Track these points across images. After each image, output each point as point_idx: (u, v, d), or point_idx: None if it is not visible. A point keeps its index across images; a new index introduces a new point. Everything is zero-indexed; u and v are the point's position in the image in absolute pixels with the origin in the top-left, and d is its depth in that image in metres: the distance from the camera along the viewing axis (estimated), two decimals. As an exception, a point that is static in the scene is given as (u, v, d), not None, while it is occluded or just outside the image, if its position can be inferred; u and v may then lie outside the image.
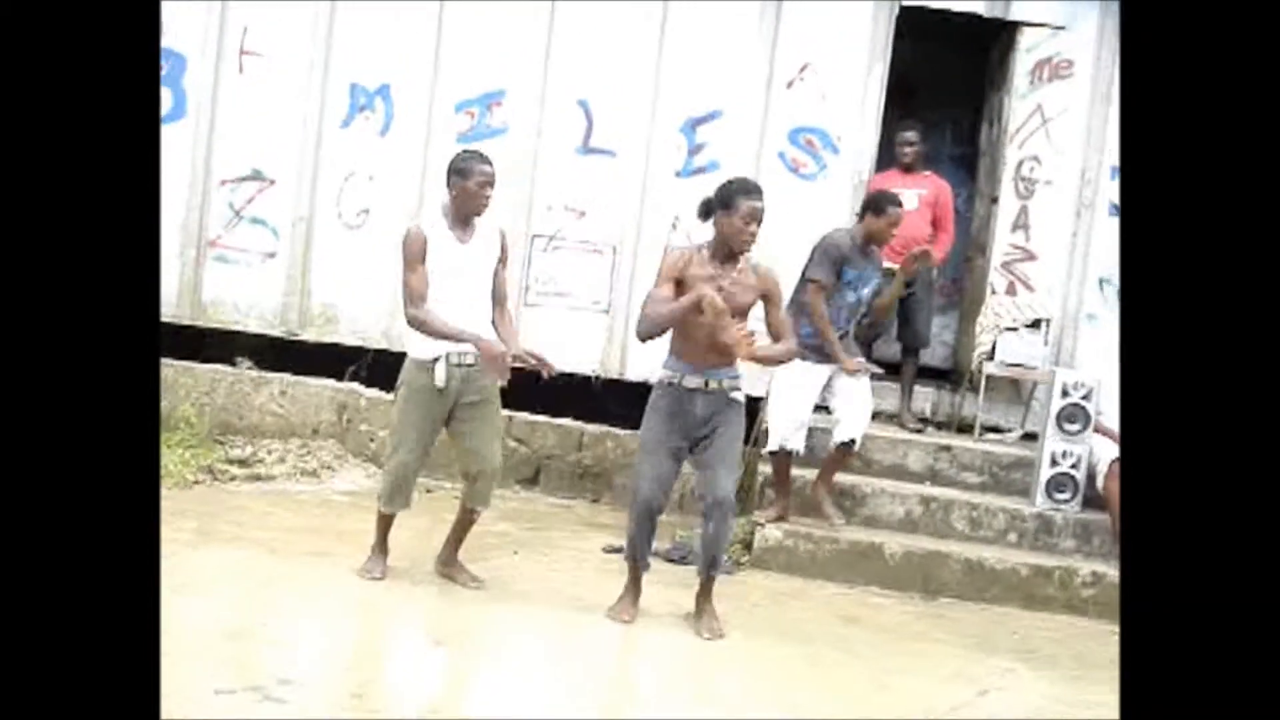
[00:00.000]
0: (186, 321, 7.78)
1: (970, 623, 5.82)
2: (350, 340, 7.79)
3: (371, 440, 7.56)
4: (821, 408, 6.45)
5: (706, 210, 5.02)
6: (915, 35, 7.63)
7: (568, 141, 7.57)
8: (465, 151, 5.28)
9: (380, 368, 7.85)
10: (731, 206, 4.88)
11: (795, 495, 6.41)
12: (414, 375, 5.16)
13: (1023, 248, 7.45)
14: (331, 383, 7.72)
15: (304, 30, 7.64)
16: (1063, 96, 7.40)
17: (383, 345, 7.73)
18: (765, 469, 6.64)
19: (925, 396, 7.65)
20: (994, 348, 7.27)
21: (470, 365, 5.13)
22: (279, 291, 7.76)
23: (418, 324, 5.07)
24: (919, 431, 7.15)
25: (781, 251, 7.10)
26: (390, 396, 7.58)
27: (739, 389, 5.09)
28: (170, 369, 7.56)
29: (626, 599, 5.18)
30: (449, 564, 5.45)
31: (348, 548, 5.66)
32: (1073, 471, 6.51)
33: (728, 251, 4.96)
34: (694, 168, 7.52)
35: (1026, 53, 7.40)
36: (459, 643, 4.76)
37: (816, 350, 6.17)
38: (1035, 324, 7.31)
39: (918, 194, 7.41)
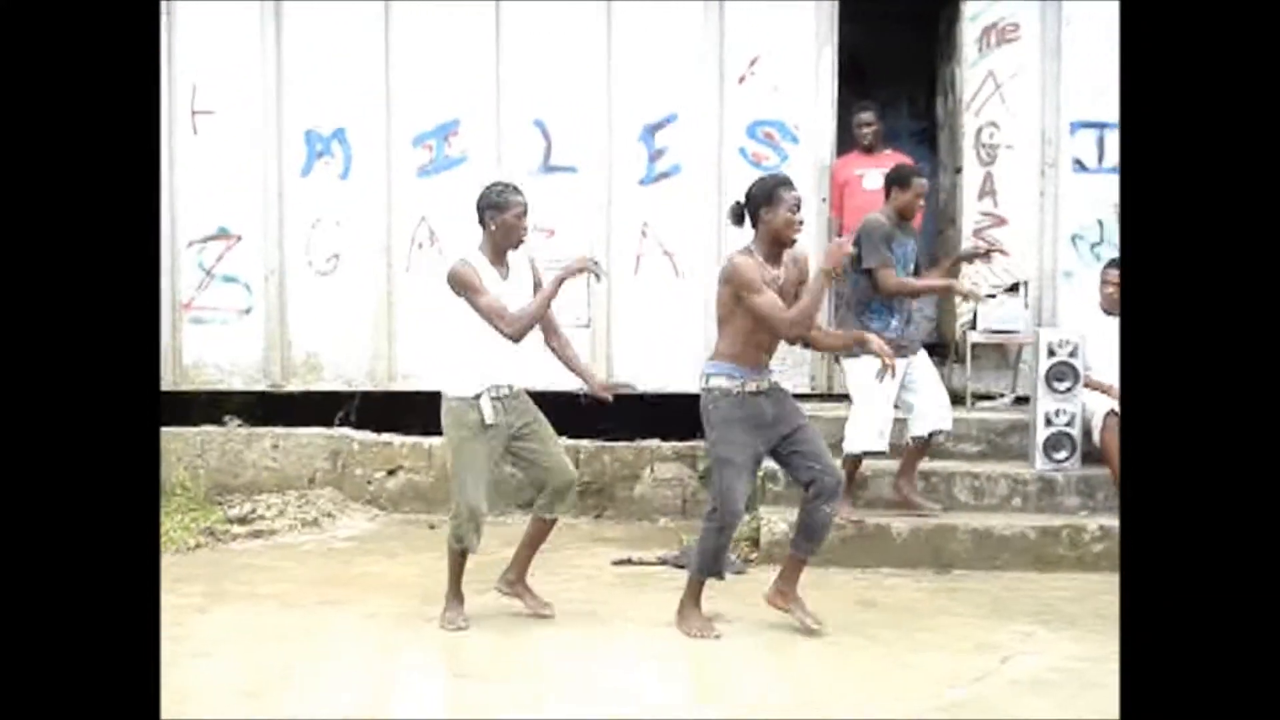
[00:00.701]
0: (170, 387, 7.75)
1: (984, 592, 5.83)
2: (336, 386, 7.78)
3: (369, 483, 7.55)
4: None
5: (739, 215, 5.01)
6: (861, 16, 7.66)
7: (528, 162, 7.58)
8: (496, 184, 5.21)
9: (368, 410, 7.85)
10: (774, 201, 4.88)
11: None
12: (461, 414, 5.10)
13: (992, 214, 7.47)
14: (322, 430, 7.71)
15: (253, 83, 7.64)
16: (1012, 60, 7.42)
17: (368, 387, 7.73)
18: (768, 464, 6.63)
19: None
20: (975, 316, 7.29)
21: (509, 393, 5.15)
22: (259, 346, 7.74)
23: (524, 327, 5.02)
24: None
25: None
26: (384, 437, 7.64)
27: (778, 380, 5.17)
28: (160, 436, 7.54)
29: (694, 612, 5.13)
30: (516, 585, 5.38)
31: (357, 593, 5.64)
32: (1068, 429, 6.52)
33: (775, 249, 4.95)
34: (656, 174, 7.54)
35: (971, 21, 7.43)
36: (484, 674, 4.73)
37: (895, 344, 6.11)
38: (1013, 288, 7.32)
39: (881, 172, 7.41)
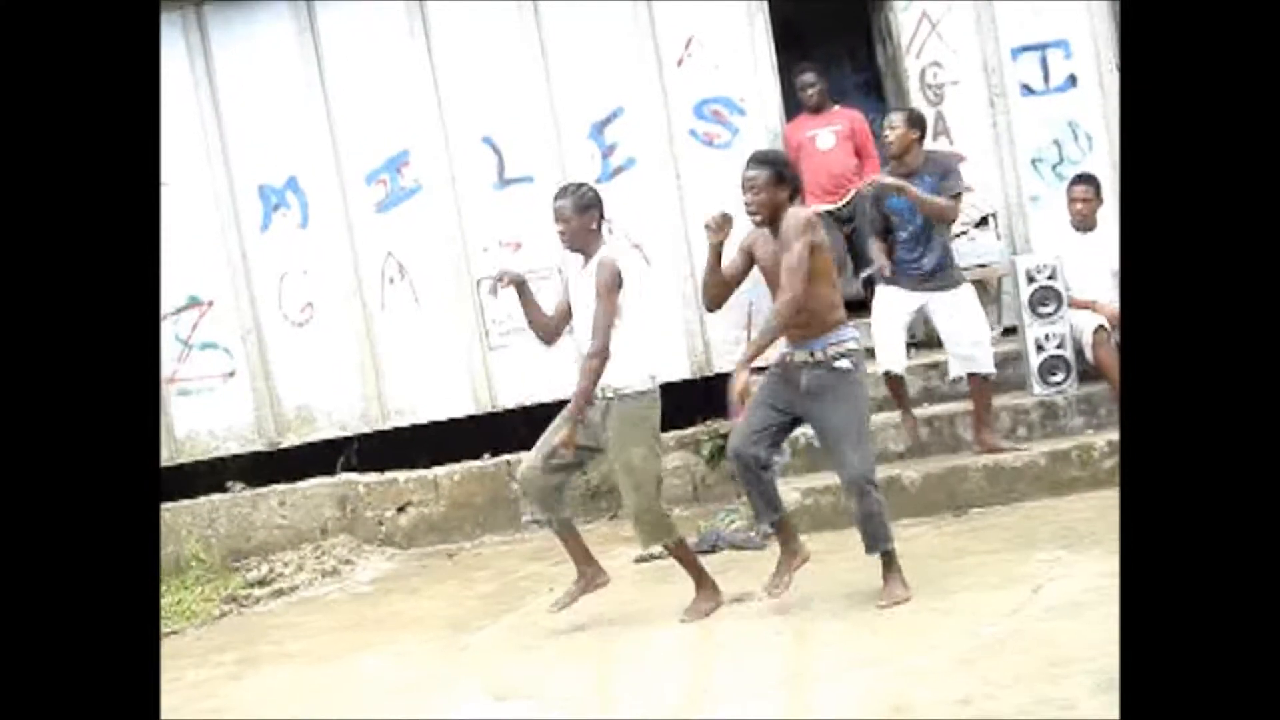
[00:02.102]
0: (168, 462, 7.73)
1: (1005, 526, 5.84)
2: (332, 433, 7.76)
3: (380, 524, 7.54)
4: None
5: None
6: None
7: (483, 180, 7.57)
8: (584, 185, 5.23)
9: (368, 451, 7.83)
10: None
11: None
12: (651, 408, 5.09)
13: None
14: (326, 480, 7.69)
15: (197, 148, 7.63)
16: (944, -3, 7.43)
17: (364, 429, 7.72)
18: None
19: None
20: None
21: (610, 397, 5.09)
22: (249, 407, 7.73)
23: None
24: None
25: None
26: (389, 476, 7.62)
27: (846, 357, 4.88)
28: (166, 512, 7.53)
29: (780, 571, 5.09)
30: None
31: (386, 634, 5.64)
32: (1060, 352, 6.53)
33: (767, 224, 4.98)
34: (612, 169, 7.52)
35: (897, -35, 7.43)
36: (528, 694, 4.73)
37: (904, 274, 6.29)
38: (983, 221, 7.33)
39: (833, 130, 7.44)
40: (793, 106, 7.63)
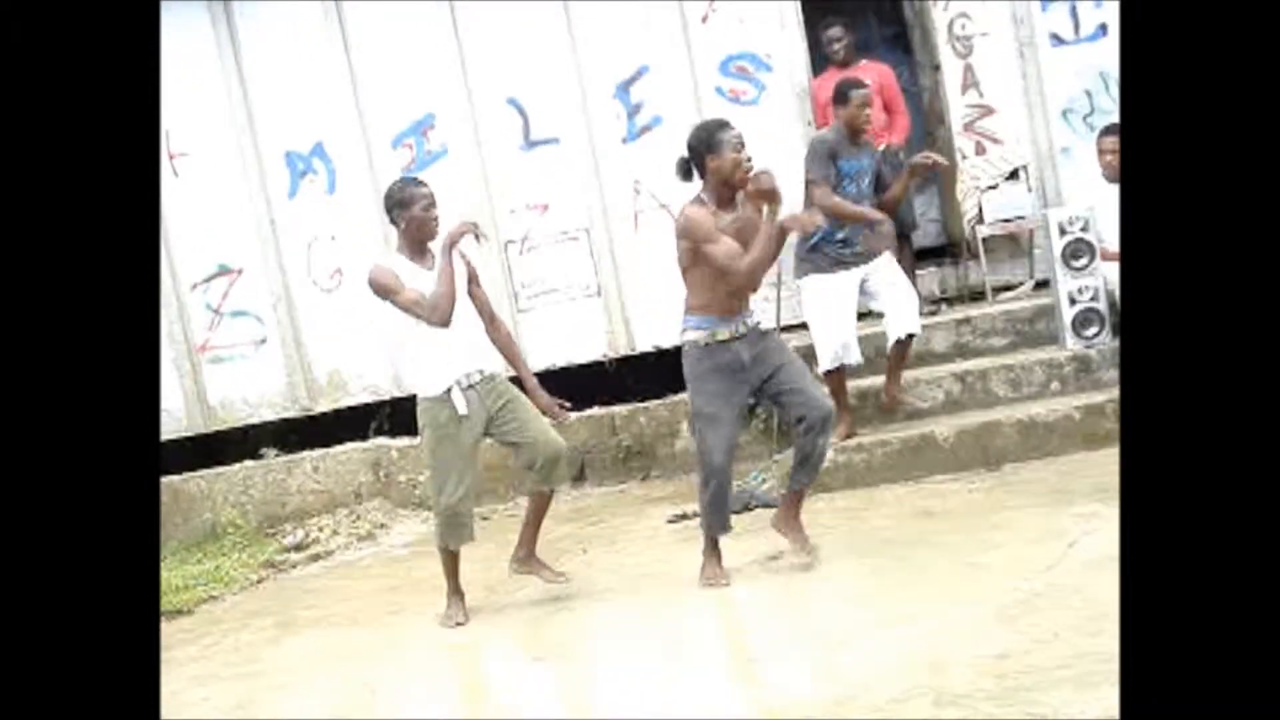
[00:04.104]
0: (202, 430, 7.80)
1: (1040, 481, 5.81)
2: (364, 398, 7.80)
3: (415, 487, 7.58)
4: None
5: (686, 168, 4.95)
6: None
7: (510, 142, 7.55)
8: (397, 181, 5.22)
9: (401, 415, 7.86)
10: (716, 145, 4.81)
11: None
12: (434, 412, 5.08)
13: (978, 105, 7.40)
14: (359, 444, 7.74)
15: (223, 116, 7.64)
16: (972, -55, 7.33)
17: (396, 393, 7.75)
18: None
19: (930, 277, 7.61)
20: (980, 210, 7.23)
21: (481, 378, 5.11)
22: (281, 374, 7.77)
23: (445, 305, 4.92)
24: (934, 313, 7.12)
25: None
26: (419, 440, 7.65)
27: (759, 321, 5.06)
28: (201, 479, 7.62)
29: (712, 563, 5.10)
30: (528, 560, 5.35)
31: (425, 597, 5.67)
32: (1093, 304, 6.47)
33: (726, 193, 4.86)
34: (639, 129, 7.49)
35: (924, -85, 7.34)
36: (562, 656, 4.76)
37: (839, 259, 6.12)
38: (1013, 174, 7.27)
39: (862, 85, 7.36)
40: (819, 62, 7.56)
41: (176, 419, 7.81)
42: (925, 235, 8.38)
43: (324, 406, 7.81)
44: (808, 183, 6.07)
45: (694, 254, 4.84)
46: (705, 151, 4.85)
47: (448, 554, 5.28)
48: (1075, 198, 6.97)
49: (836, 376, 6.25)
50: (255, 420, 7.86)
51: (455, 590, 5.31)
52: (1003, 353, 6.82)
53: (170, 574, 6.79)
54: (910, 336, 6.18)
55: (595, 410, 7.54)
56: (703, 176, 4.91)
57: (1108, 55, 7.21)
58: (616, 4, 7.40)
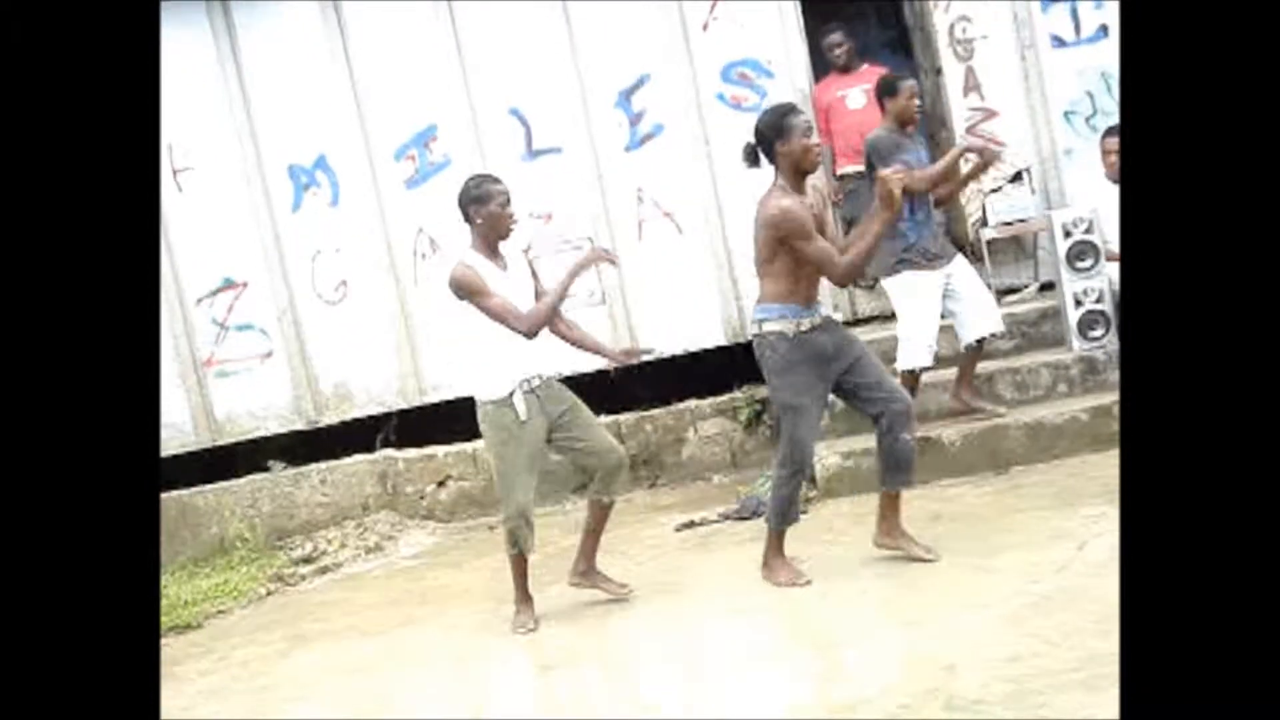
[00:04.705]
0: (209, 444, 7.81)
1: (1048, 483, 5.80)
2: (370, 410, 7.80)
3: (421, 498, 7.58)
4: None
5: (754, 154, 4.91)
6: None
7: (512, 152, 7.55)
8: (473, 177, 5.10)
9: (407, 427, 7.87)
10: (786, 131, 4.74)
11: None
12: (495, 416, 4.99)
13: (980, 108, 7.39)
14: (365, 456, 7.74)
15: (226, 131, 7.65)
16: (972, -51, 7.33)
17: (402, 405, 7.76)
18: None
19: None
20: (984, 213, 7.22)
21: (542, 384, 5.05)
22: (287, 387, 7.77)
23: (540, 324, 4.93)
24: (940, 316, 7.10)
25: (750, 190, 7.08)
26: (428, 451, 7.66)
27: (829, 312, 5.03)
28: (209, 494, 7.62)
29: (784, 562, 5.03)
30: (588, 574, 5.28)
31: (432, 608, 5.67)
32: (1099, 306, 6.46)
33: (798, 179, 4.79)
34: (640, 137, 7.49)
35: (923, -81, 7.34)
36: (572, 665, 4.75)
37: (928, 254, 6.07)
38: (1017, 176, 7.24)
39: (863, 89, 7.37)
40: (820, 67, 7.56)
41: (183, 433, 7.81)
42: (948, 238, 8.35)
43: (330, 419, 7.81)
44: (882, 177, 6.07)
45: (778, 245, 4.74)
46: (775, 137, 4.77)
47: (517, 559, 5.17)
48: (1079, 199, 6.96)
49: (912, 377, 6.16)
50: (262, 434, 7.87)
51: (525, 596, 5.23)
52: (1008, 355, 6.81)
53: (179, 588, 6.80)
54: (987, 338, 6.22)
55: (601, 419, 7.51)
56: (772, 162, 4.85)
57: (1109, 56, 7.20)
58: (618, 12, 7.41)
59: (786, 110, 4.86)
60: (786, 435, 4.93)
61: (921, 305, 6.11)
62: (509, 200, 4.98)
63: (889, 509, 5.02)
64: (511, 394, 4.97)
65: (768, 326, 4.84)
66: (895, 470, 4.95)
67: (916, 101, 6.09)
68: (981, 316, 6.18)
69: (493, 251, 5.02)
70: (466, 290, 4.90)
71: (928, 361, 6.16)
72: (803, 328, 4.80)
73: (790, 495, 4.99)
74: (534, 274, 5.21)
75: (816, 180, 4.99)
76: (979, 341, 6.22)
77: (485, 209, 4.93)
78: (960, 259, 6.26)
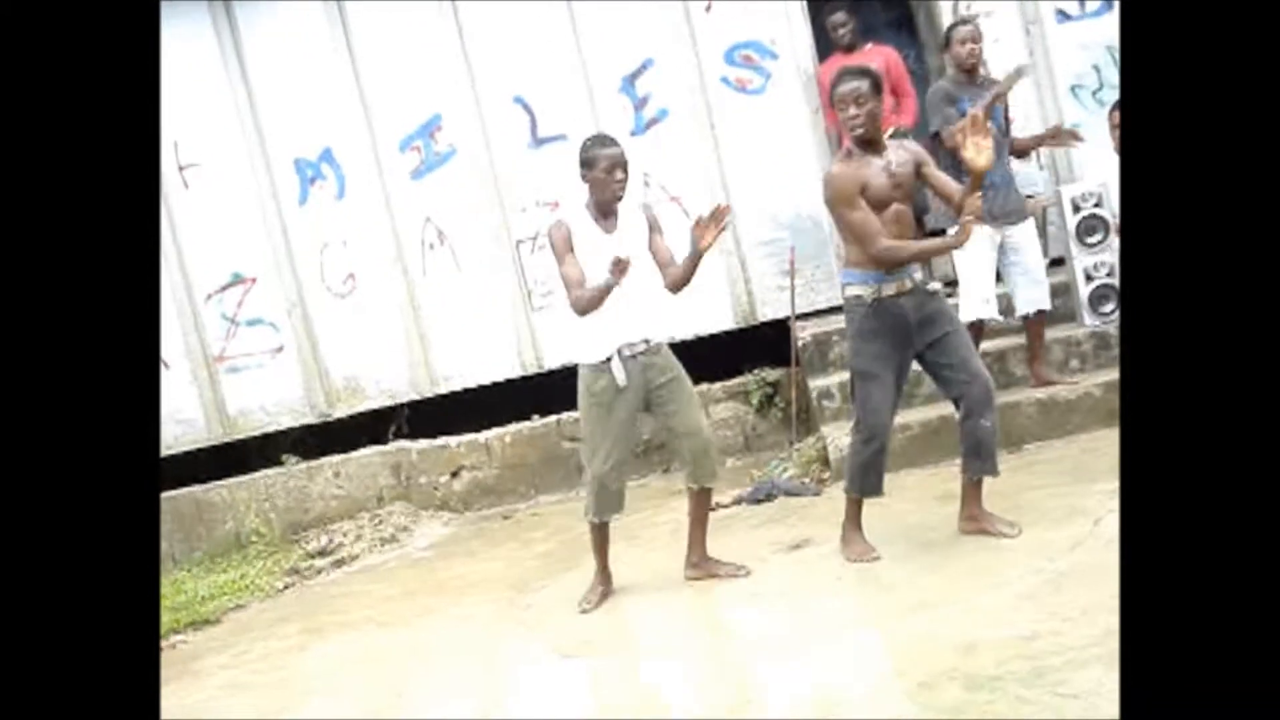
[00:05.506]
0: (222, 439, 7.82)
1: (1062, 460, 5.79)
2: (381, 402, 7.81)
3: (435, 489, 7.59)
4: None
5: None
6: (812, -83, 7.53)
7: (517, 140, 7.54)
8: (589, 139, 4.99)
9: (419, 418, 7.88)
10: (832, 98, 4.65)
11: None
12: (592, 380, 4.89)
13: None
14: (379, 448, 7.75)
15: (231, 126, 7.64)
16: (974, -76, 7.28)
17: (413, 396, 7.76)
18: (819, 382, 6.62)
19: (943, 258, 7.54)
20: (992, 189, 7.17)
21: (645, 350, 4.91)
22: (298, 381, 7.78)
23: (582, 306, 4.77)
24: (949, 294, 7.07)
25: (757, 172, 7.10)
26: (440, 441, 7.66)
27: (930, 279, 4.84)
28: (224, 489, 7.64)
29: (859, 537, 4.95)
30: (702, 564, 5.15)
31: (448, 598, 5.68)
32: (1109, 280, 6.43)
33: (866, 143, 4.63)
34: (645, 121, 7.48)
35: (924, -104, 7.29)
36: (591, 653, 4.75)
37: (990, 211, 5.89)
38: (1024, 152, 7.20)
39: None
40: (824, 47, 7.53)
41: (196, 429, 7.83)
42: (937, 217, 8.31)
43: (342, 412, 7.82)
44: (934, 135, 6.03)
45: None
46: (833, 104, 4.68)
47: (597, 527, 5.11)
48: (1087, 174, 6.92)
49: (975, 330, 6.05)
50: (274, 428, 7.88)
51: (603, 567, 5.16)
52: (1020, 332, 6.76)
53: (196, 584, 6.82)
54: (1041, 313, 6.20)
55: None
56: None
57: (1114, 30, 7.15)
58: (619, -2, 7.39)
59: (840, 76, 4.66)
60: (859, 402, 4.82)
61: (974, 258, 6.03)
62: (614, 165, 4.83)
63: (971, 494, 4.91)
64: (609, 359, 4.86)
65: (849, 291, 4.75)
66: (975, 456, 4.83)
67: (972, 46, 6.03)
68: (1027, 288, 6.17)
69: (602, 213, 4.92)
70: (552, 246, 4.87)
71: (988, 314, 6.13)
72: (884, 293, 4.66)
73: (866, 463, 4.84)
74: (656, 227, 5.01)
75: (909, 146, 4.82)
76: (1028, 316, 6.20)
77: (591, 173, 4.85)
78: (1028, 225, 6.21)
